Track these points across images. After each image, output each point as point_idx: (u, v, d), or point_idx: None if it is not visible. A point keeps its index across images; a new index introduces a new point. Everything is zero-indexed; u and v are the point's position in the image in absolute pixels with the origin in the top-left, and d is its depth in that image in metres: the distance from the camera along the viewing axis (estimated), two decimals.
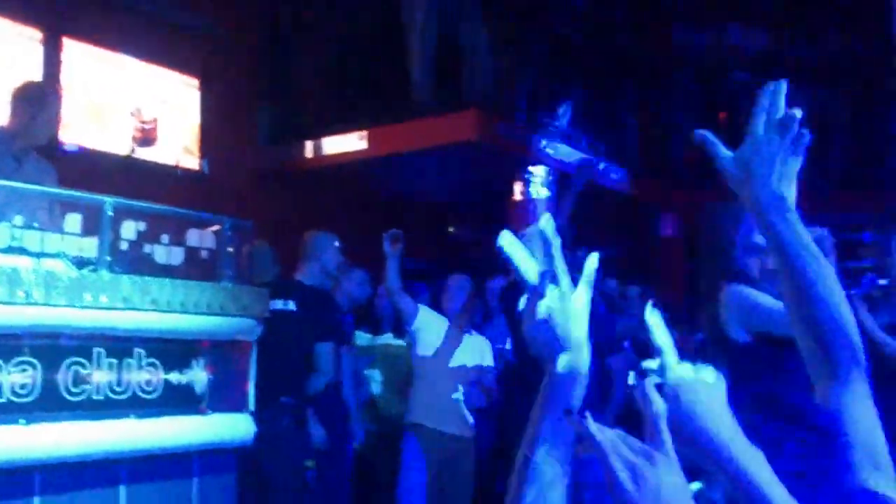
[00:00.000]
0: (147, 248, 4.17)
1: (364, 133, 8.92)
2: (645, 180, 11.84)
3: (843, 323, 1.44)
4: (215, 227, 4.41)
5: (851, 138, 13.12)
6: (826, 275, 1.47)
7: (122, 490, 3.85)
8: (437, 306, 5.73)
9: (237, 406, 4.38)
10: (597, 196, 10.70)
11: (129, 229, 4.07)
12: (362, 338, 6.24)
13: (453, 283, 5.67)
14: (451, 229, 12.92)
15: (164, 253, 4.21)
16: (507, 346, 6.07)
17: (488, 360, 5.63)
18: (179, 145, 8.43)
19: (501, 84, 9.25)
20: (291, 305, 5.19)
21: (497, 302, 6.42)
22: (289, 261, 5.88)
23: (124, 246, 4.03)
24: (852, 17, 12.47)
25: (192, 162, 8.49)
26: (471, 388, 5.49)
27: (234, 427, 4.34)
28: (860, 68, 12.66)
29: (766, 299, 3.32)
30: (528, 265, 1.33)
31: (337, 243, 5.55)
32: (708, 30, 14.12)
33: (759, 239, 3.50)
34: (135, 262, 4.02)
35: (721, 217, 3.60)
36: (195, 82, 8.72)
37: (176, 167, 8.25)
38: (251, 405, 4.44)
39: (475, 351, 5.57)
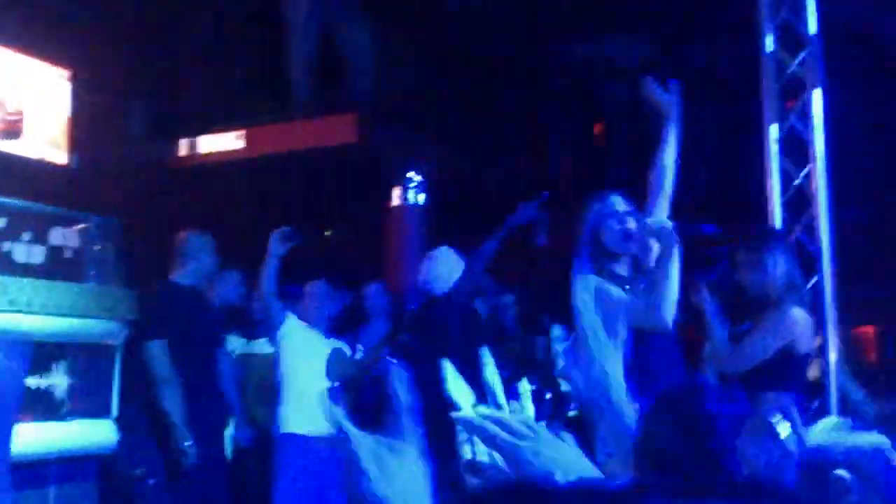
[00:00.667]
0: (6, 246, 4.01)
1: (241, 133, 8.78)
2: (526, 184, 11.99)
3: None
4: (81, 226, 4.27)
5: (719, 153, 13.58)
6: None
7: None
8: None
9: (99, 412, 4.27)
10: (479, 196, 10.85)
11: None
12: (236, 342, 6.12)
13: (314, 289, 5.61)
14: (327, 232, 12.85)
15: (24, 251, 4.06)
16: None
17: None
18: (47, 139, 8.13)
19: (382, 87, 9.24)
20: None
21: (376, 307, 6.40)
22: (162, 261, 5.77)
23: None
24: (722, 32, 12.89)
25: (61, 157, 8.19)
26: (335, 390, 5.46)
27: (95, 434, 4.22)
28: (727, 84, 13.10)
29: (610, 290, 3.48)
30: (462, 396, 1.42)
31: (211, 244, 5.45)
32: (587, 40, 14.41)
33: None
34: None
35: (583, 210, 3.68)
36: (66, 73, 8.42)
37: (42, 161, 7.94)
38: (114, 411, 4.33)
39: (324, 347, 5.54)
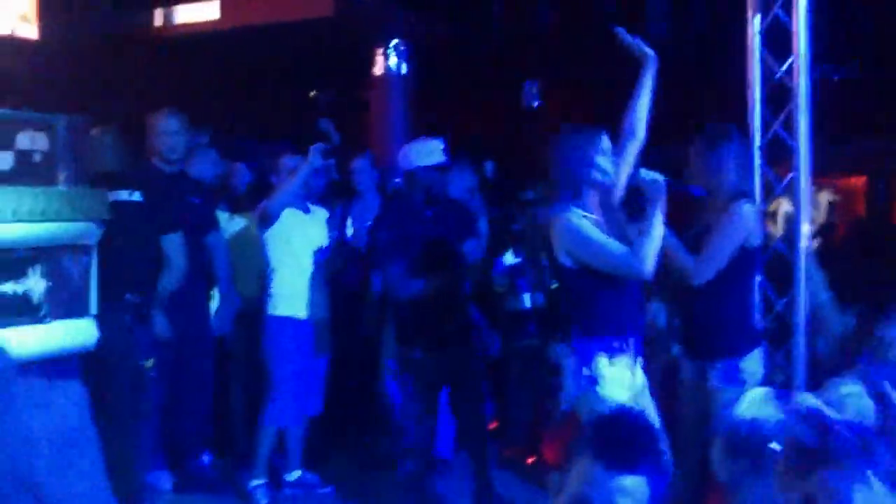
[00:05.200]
0: None
1: (216, 2, 8.53)
2: (511, 47, 11.74)
3: None
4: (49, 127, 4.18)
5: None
6: None
7: None
8: None
9: (78, 312, 4.29)
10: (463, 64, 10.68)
11: None
12: (219, 216, 6.10)
13: (293, 163, 5.43)
14: (312, 93, 12.68)
15: None
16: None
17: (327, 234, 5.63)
18: (16, 13, 7.89)
19: None
20: (137, 196, 5.02)
21: (365, 182, 6.34)
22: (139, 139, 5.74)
23: None
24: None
25: (31, 30, 7.98)
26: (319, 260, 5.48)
27: (75, 333, 4.26)
28: None
29: (595, 235, 3.47)
30: None
31: (186, 121, 5.39)
32: None
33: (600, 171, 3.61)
34: None
35: (571, 141, 3.66)
36: None
37: (11, 37, 7.73)
38: (93, 309, 4.36)
39: (319, 226, 5.57)
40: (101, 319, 4.35)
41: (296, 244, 5.39)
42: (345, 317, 5.95)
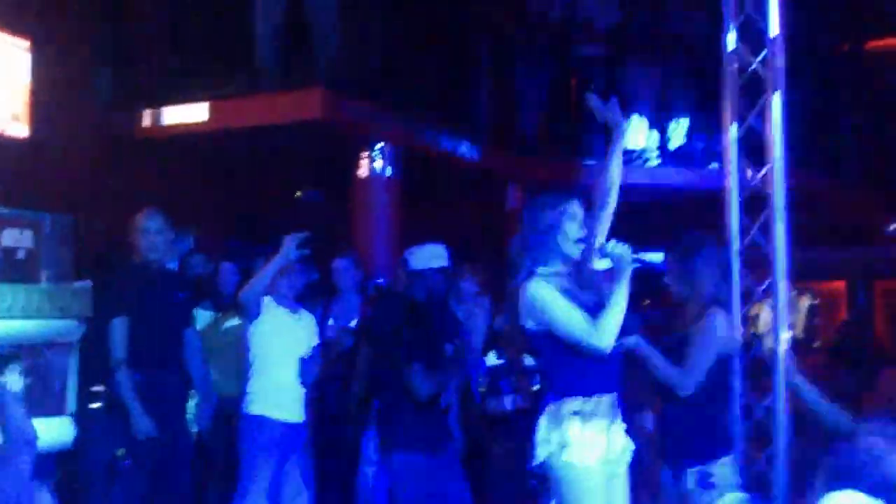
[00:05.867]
0: None
1: (205, 105, 8.68)
2: (494, 151, 11.93)
3: None
4: (34, 225, 4.22)
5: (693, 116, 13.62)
6: None
7: None
8: None
9: (55, 410, 4.26)
10: (447, 167, 10.83)
11: None
12: (204, 316, 6.10)
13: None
14: (298, 194, 12.79)
15: None
16: (353, 323, 6.12)
17: (315, 339, 5.57)
18: (7, 112, 8.01)
19: (350, 60, 9.14)
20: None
21: (347, 281, 6.36)
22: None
23: None
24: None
25: (21, 129, 8.08)
26: (303, 365, 5.45)
27: (52, 432, 4.21)
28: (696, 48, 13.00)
29: (558, 304, 3.50)
30: None
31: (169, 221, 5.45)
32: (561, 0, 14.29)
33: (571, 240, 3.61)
34: None
35: (538, 207, 3.66)
36: (25, 44, 8.26)
37: (1, 135, 7.84)
38: (72, 407, 4.33)
39: (307, 329, 5.53)
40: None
41: (280, 343, 5.34)
42: (328, 416, 5.91)
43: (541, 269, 3.60)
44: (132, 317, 5.19)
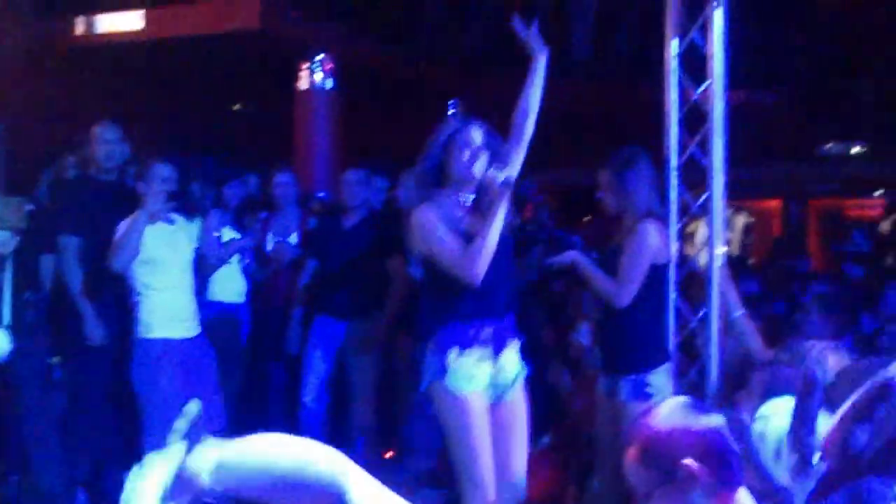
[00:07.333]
0: None
1: (140, 13, 8.43)
2: (438, 65, 11.79)
3: None
4: None
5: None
6: None
7: None
8: None
9: None
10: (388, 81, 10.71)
11: None
12: None
13: (158, 171, 4.99)
14: (236, 106, 12.59)
15: None
16: (293, 238, 6.10)
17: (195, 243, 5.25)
18: None
19: None
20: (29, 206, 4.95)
21: (286, 196, 6.29)
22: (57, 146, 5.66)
23: None
24: None
25: None
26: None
27: None
28: None
29: (435, 230, 3.52)
30: None
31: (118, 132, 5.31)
32: None
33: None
34: None
35: (435, 133, 3.65)
36: None
37: None
38: (6, 320, 4.28)
39: (186, 239, 5.21)
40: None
41: (161, 263, 5.00)
42: (270, 332, 5.91)
43: (434, 194, 3.60)
44: (82, 236, 5.11)
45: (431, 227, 3.53)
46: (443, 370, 3.52)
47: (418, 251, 3.66)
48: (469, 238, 3.53)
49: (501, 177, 3.50)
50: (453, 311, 3.55)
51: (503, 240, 3.60)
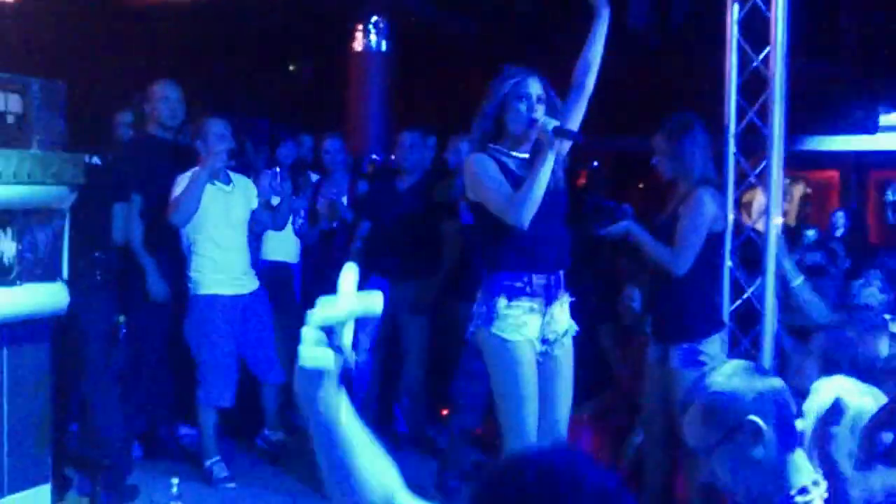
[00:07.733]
0: None
1: None
2: (492, 29, 11.67)
3: None
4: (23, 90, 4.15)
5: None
6: None
7: None
8: None
9: (50, 276, 4.27)
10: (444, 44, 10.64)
11: None
12: None
13: (215, 128, 5.10)
14: (291, 67, 12.60)
15: None
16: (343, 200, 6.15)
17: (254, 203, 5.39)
18: None
19: None
20: (95, 160, 4.98)
21: (336, 162, 6.34)
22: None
23: None
24: None
25: None
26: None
27: (46, 297, 4.24)
28: None
29: (490, 176, 3.54)
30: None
31: (180, 91, 5.36)
32: None
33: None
34: None
35: (494, 82, 3.62)
36: None
37: None
38: (65, 273, 4.34)
39: (243, 199, 5.32)
40: (71, 277, 4.34)
41: (215, 221, 5.14)
42: (323, 293, 5.94)
43: (490, 145, 3.60)
44: (144, 195, 5.21)
45: (482, 171, 3.55)
46: (490, 317, 3.53)
47: (469, 197, 3.66)
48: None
49: (552, 125, 3.47)
50: (503, 260, 3.56)
51: (556, 198, 3.59)
